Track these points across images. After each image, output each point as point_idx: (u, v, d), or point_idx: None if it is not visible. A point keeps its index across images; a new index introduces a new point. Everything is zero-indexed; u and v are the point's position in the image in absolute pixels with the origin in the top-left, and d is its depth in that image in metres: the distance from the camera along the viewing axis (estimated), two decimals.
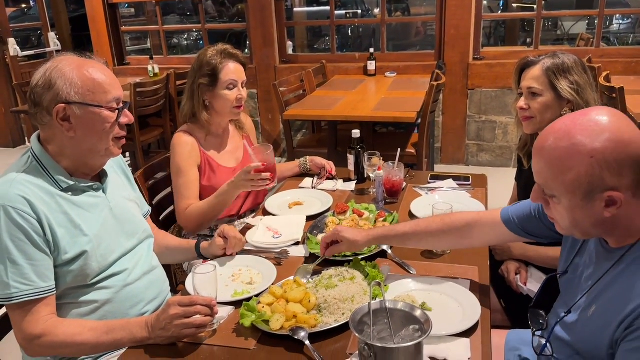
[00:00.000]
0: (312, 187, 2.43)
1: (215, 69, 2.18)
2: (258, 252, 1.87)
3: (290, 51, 5.69)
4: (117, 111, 1.50)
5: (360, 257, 1.72)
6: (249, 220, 2.20)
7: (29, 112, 1.52)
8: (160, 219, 2.31)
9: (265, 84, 5.39)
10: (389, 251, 1.79)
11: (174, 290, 1.88)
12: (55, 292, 1.46)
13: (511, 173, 2.37)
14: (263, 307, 1.47)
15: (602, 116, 1.10)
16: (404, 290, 1.55)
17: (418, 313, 1.21)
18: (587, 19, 7.69)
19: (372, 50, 5.11)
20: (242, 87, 2.24)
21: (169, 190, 2.39)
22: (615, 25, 8.35)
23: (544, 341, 1.32)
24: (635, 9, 6.55)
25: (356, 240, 1.65)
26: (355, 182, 2.45)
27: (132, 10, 9.94)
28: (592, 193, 1.08)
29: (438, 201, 2.05)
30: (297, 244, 1.92)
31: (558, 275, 1.41)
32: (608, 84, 3.31)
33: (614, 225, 1.13)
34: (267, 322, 1.42)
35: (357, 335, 1.15)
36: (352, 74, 5.23)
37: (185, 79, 5.08)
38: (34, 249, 1.40)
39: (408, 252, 1.79)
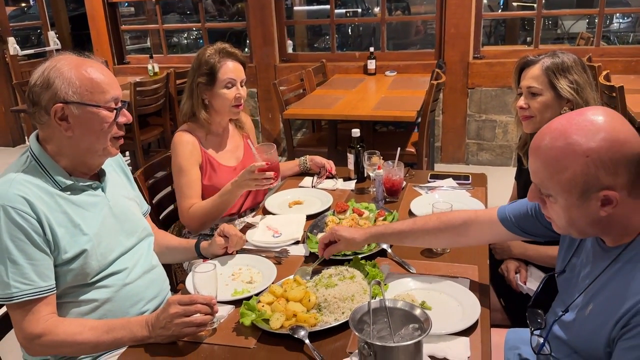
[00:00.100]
0: (312, 187, 2.43)
1: (213, 67, 2.18)
2: (258, 251, 1.87)
3: (290, 50, 5.69)
4: (115, 111, 1.49)
5: (360, 256, 1.72)
6: (248, 219, 2.20)
7: (28, 112, 1.52)
8: (160, 218, 2.32)
9: (265, 83, 5.39)
10: (389, 250, 1.79)
11: (174, 289, 1.88)
12: (55, 291, 1.46)
13: (511, 172, 2.38)
14: (263, 306, 1.47)
15: (597, 116, 1.11)
16: (403, 289, 1.56)
17: (418, 312, 1.21)
18: (587, 18, 7.69)
19: (372, 49, 5.11)
20: (241, 86, 2.23)
21: (169, 189, 2.39)
22: (615, 24, 8.35)
23: (542, 340, 1.33)
24: (635, 8, 6.55)
25: (354, 238, 1.65)
26: (355, 181, 2.45)
27: (132, 9, 9.94)
28: (588, 192, 1.09)
29: (438, 200, 2.05)
30: (297, 243, 1.92)
31: (556, 275, 1.41)
32: (608, 83, 3.31)
33: (610, 224, 1.14)
34: (267, 321, 1.42)
35: (356, 334, 1.15)
36: (352, 73, 5.23)
37: (185, 78, 5.07)
38: (34, 248, 1.40)
39: (408, 251, 1.79)
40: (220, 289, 1.53)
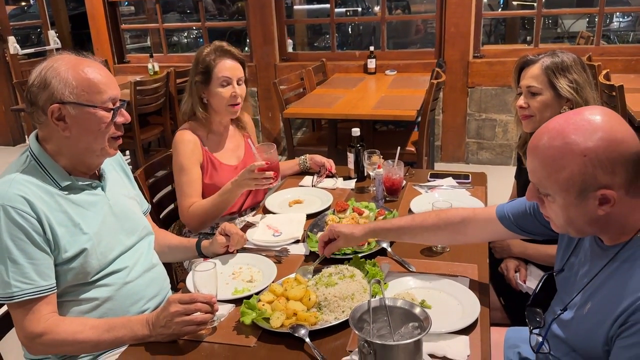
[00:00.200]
0: (312, 186, 2.43)
1: (208, 66, 2.18)
2: (258, 250, 1.87)
3: (290, 49, 5.69)
4: (112, 111, 1.49)
5: (360, 255, 1.73)
6: (249, 218, 2.21)
7: (27, 111, 1.52)
8: (160, 217, 2.32)
9: (265, 82, 5.39)
10: (389, 249, 1.79)
11: (175, 288, 1.89)
12: (56, 290, 1.46)
13: (511, 171, 2.38)
14: (263, 304, 1.47)
15: (595, 115, 1.11)
16: (403, 288, 1.56)
17: (417, 310, 1.21)
18: (587, 17, 7.69)
19: (372, 48, 5.11)
20: (238, 84, 2.21)
21: (169, 188, 2.39)
22: (615, 23, 8.34)
23: (541, 339, 1.33)
24: (635, 7, 6.55)
25: (352, 233, 1.65)
26: (355, 180, 2.45)
27: (132, 8, 9.94)
28: (586, 191, 1.09)
29: (438, 199, 2.05)
30: (297, 242, 1.92)
31: (554, 274, 1.42)
32: (608, 82, 3.31)
33: (608, 223, 1.14)
34: (267, 319, 1.42)
35: (356, 332, 1.15)
36: (352, 72, 5.23)
37: (185, 77, 5.10)
38: (34, 248, 1.40)
39: (408, 250, 1.79)
40: (220, 288, 1.54)
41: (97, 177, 1.63)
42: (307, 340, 1.34)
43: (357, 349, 1.20)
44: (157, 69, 5.47)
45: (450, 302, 1.51)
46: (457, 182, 2.38)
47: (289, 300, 1.48)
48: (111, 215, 1.60)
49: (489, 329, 1.40)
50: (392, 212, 2.05)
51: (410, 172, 2.51)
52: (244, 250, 1.86)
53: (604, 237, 1.21)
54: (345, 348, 1.35)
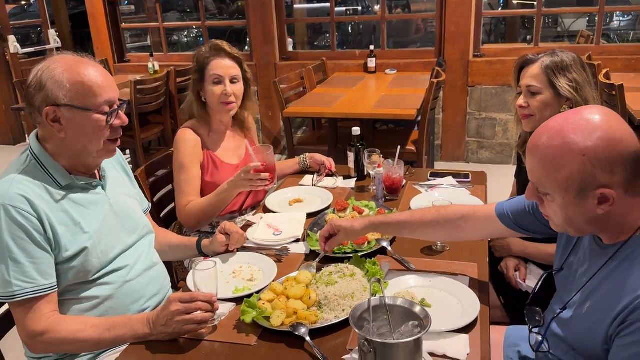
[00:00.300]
0: (313, 185, 2.43)
1: (202, 64, 2.20)
2: (259, 249, 1.87)
3: (290, 48, 5.70)
4: (107, 115, 1.47)
5: (360, 254, 1.73)
6: (249, 217, 2.21)
7: (26, 111, 1.52)
8: (161, 216, 2.32)
9: (266, 81, 5.39)
10: (389, 248, 1.80)
11: (175, 287, 1.89)
12: (56, 289, 1.46)
13: (511, 170, 2.38)
14: (264, 303, 1.47)
15: (594, 115, 1.12)
16: (403, 287, 1.56)
17: (417, 309, 1.22)
18: (588, 16, 7.69)
19: (372, 47, 5.11)
20: (232, 83, 2.20)
21: (169, 187, 2.39)
22: (615, 22, 8.34)
23: (540, 338, 1.33)
24: (635, 6, 6.55)
25: (353, 227, 1.65)
26: (356, 179, 2.45)
27: (132, 7, 9.94)
28: (585, 190, 1.10)
29: (437, 198, 2.05)
30: (297, 241, 1.93)
31: (554, 273, 1.42)
32: (608, 81, 3.31)
33: (607, 222, 1.15)
34: (267, 318, 1.43)
35: (357, 331, 1.16)
36: (353, 71, 5.23)
37: (185, 76, 5.10)
38: (35, 247, 1.40)
39: (408, 249, 1.80)
40: (221, 287, 1.54)
41: (98, 176, 1.63)
42: (308, 338, 1.35)
43: (357, 348, 1.20)
44: (157, 68, 5.47)
45: (450, 300, 1.51)
46: (457, 181, 2.38)
47: (290, 299, 1.49)
48: (112, 214, 1.60)
49: (489, 327, 1.40)
50: (392, 211, 2.05)
51: (411, 171, 2.52)
52: (244, 249, 1.86)
53: (603, 236, 1.21)
54: (345, 346, 1.35)
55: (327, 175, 2.50)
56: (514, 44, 6.73)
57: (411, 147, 3.85)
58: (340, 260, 1.70)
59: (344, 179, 2.48)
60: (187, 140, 2.21)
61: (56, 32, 6.80)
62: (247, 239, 1.89)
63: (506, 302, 1.99)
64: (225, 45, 2.22)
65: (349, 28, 9.03)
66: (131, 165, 2.01)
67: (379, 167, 2.22)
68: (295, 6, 8.29)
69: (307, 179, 2.50)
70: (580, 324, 1.22)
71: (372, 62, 5.07)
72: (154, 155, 3.94)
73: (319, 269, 1.65)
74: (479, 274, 1.64)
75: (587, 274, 1.24)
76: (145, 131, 4.68)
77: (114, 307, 1.57)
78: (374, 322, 1.21)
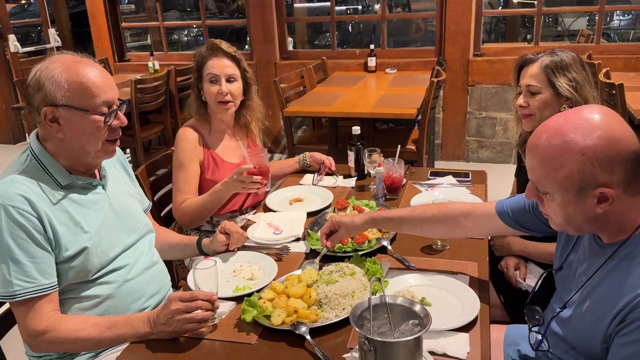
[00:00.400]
0: (313, 184, 2.43)
1: (199, 63, 2.21)
2: (259, 248, 1.88)
3: (290, 47, 5.69)
4: (105, 115, 1.47)
5: (360, 252, 1.73)
6: (249, 216, 2.21)
7: (26, 110, 1.52)
8: (161, 215, 2.33)
9: (266, 81, 5.39)
10: (389, 247, 1.80)
11: (175, 286, 1.89)
12: (57, 288, 1.46)
13: (511, 169, 2.38)
14: (264, 302, 1.48)
15: (593, 114, 1.12)
16: (403, 286, 1.56)
17: (417, 308, 1.22)
18: (588, 15, 7.68)
19: (372, 46, 5.11)
20: (229, 82, 2.19)
21: (170, 186, 2.39)
22: (615, 21, 8.33)
23: (540, 337, 1.34)
24: (635, 5, 6.55)
25: (353, 222, 1.66)
26: (356, 178, 2.45)
27: (132, 6, 9.93)
28: (584, 190, 1.10)
29: (438, 197, 2.05)
30: (297, 240, 1.93)
31: (553, 272, 1.42)
32: (608, 81, 3.31)
33: (606, 221, 1.15)
34: (268, 317, 1.43)
35: (357, 329, 1.16)
36: (353, 71, 5.23)
37: (185, 75, 5.09)
38: (35, 246, 1.40)
39: (408, 248, 1.80)
40: (221, 286, 1.54)
41: (98, 176, 1.63)
42: (308, 337, 1.35)
43: (357, 346, 1.20)
44: (157, 67, 5.47)
45: (450, 299, 1.51)
46: (457, 180, 2.38)
47: (290, 298, 1.49)
48: (112, 214, 1.60)
49: (489, 326, 1.41)
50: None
51: (411, 170, 2.52)
52: (244, 248, 1.86)
53: (602, 235, 1.21)
54: (345, 345, 1.36)
55: (327, 174, 2.50)
56: (514, 43, 6.72)
57: (411, 146, 3.85)
58: (341, 259, 1.71)
59: (344, 178, 2.48)
60: (188, 139, 2.21)
61: (56, 31, 6.79)
62: (248, 238, 1.89)
63: (506, 301, 1.99)
64: (222, 44, 2.22)
65: (349, 27, 9.03)
66: (131, 165, 2.01)
67: (379, 166, 2.22)
68: (296, 5, 8.28)
69: (307, 178, 2.50)
70: (580, 323, 1.22)
71: (372, 61, 5.07)
72: (154, 155, 3.94)
73: (319, 268, 1.65)
74: (479, 272, 1.65)
75: (586, 273, 1.24)
76: (146, 130, 4.68)
77: (114, 306, 1.57)
78: (374, 321, 1.22)
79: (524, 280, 1.89)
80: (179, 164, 2.21)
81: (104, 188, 1.61)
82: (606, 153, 1.08)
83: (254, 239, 1.93)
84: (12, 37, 6.14)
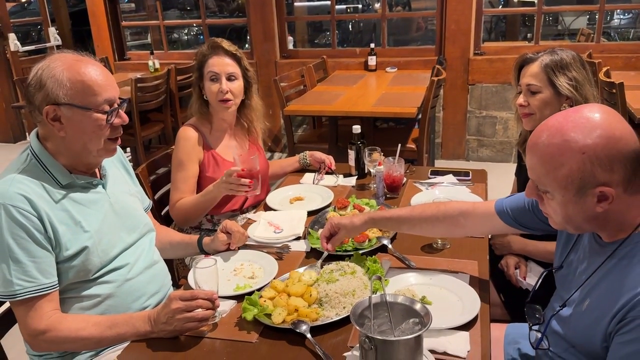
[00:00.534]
0: (314, 184, 2.43)
1: (200, 62, 2.21)
2: (259, 247, 1.88)
3: (290, 46, 5.69)
4: (107, 114, 1.47)
5: (360, 251, 1.74)
6: (250, 215, 2.21)
7: (27, 109, 1.52)
8: (162, 214, 2.33)
9: (266, 79, 5.39)
10: (390, 246, 1.80)
11: (176, 285, 1.89)
12: (58, 288, 1.46)
13: (511, 168, 2.39)
14: (265, 301, 1.48)
15: (593, 113, 1.12)
16: (404, 285, 1.57)
17: (418, 306, 1.22)
18: (588, 14, 7.67)
19: (372, 45, 5.11)
20: (230, 80, 2.19)
21: (170, 185, 2.40)
22: (616, 20, 8.32)
23: (540, 335, 1.34)
24: (635, 4, 6.54)
25: (353, 223, 1.66)
26: (356, 177, 2.45)
27: (132, 5, 9.91)
28: (584, 188, 1.10)
29: (438, 196, 2.05)
30: (298, 238, 1.93)
31: (554, 270, 1.42)
32: (608, 80, 3.31)
33: (606, 220, 1.15)
34: (269, 315, 1.43)
35: (358, 328, 1.16)
36: (353, 69, 5.23)
37: (185, 74, 5.08)
38: (36, 246, 1.41)
39: (408, 247, 1.80)
40: (222, 285, 1.54)
41: (98, 175, 1.63)
42: (309, 336, 1.35)
43: (358, 345, 1.21)
44: (157, 66, 5.47)
45: (451, 298, 1.51)
46: (458, 179, 2.39)
47: (290, 297, 1.49)
48: (112, 213, 1.60)
49: (489, 325, 1.41)
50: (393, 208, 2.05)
51: (411, 169, 2.52)
52: (245, 247, 1.87)
53: (602, 234, 1.22)
54: (346, 344, 1.36)
55: (327, 174, 2.50)
56: (515, 42, 6.71)
57: (411, 145, 3.85)
58: (341, 258, 1.71)
59: (345, 177, 2.48)
60: (188, 139, 2.21)
61: (56, 30, 6.79)
62: (248, 237, 1.89)
63: (506, 299, 2.00)
64: (224, 42, 2.22)
65: (350, 26, 9.02)
66: (132, 163, 2.01)
67: (379, 165, 2.22)
68: (296, 4, 8.27)
69: (308, 177, 2.50)
70: (580, 322, 1.23)
71: (372, 60, 5.06)
72: (154, 153, 3.94)
73: (320, 267, 1.66)
74: (480, 271, 1.65)
75: (586, 272, 1.25)
76: (146, 129, 4.69)
77: (114, 305, 1.57)
78: (374, 320, 1.22)
79: (524, 279, 1.90)
80: (179, 163, 2.21)
81: (104, 187, 1.61)
82: (606, 152, 1.08)
83: (255, 237, 1.93)
84: (12, 36, 6.14)
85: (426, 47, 5.31)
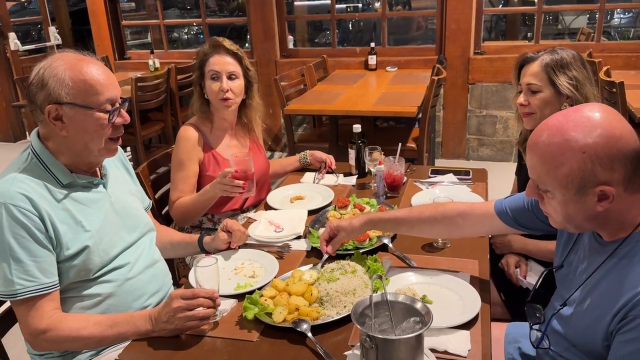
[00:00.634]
0: (314, 183, 2.43)
1: (201, 60, 2.21)
2: (260, 245, 1.88)
3: (290, 45, 5.69)
4: (109, 113, 1.47)
5: (361, 250, 1.74)
6: (251, 214, 2.22)
7: (28, 108, 1.52)
8: (162, 213, 2.33)
9: (266, 79, 5.38)
10: (390, 245, 1.80)
11: (177, 284, 1.89)
12: (58, 287, 1.46)
13: (511, 167, 2.39)
14: (266, 300, 1.48)
15: (594, 112, 1.12)
16: (404, 284, 1.57)
17: (419, 305, 1.22)
18: (588, 14, 7.67)
19: (372, 44, 5.11)
20: (230, 79, 2.19)
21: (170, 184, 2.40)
22: (616, 19, 8.32)
23: (541, 334, 1.34)
24: (636, 3, 6.52)
25: (352, 224, 1.66)
26: (356, 176, 2.46)
27: (133, 4, 9.90)
28: (585, 188, 1.10)
29: (438, 195, 2.06)
30: (298, 238, 1.93)
31: (554, 270, 1.42)
32: (608, 79, 3.31)
33: (607, 219, 1.15)
34: (269, 314, 1.43)
35: (358, 327, 1.16)
36: (353, 69, 5.23)
37: (185, 73, 5.08)
38: (37, 245, 1.40)
39: (409, 246, 1.80)
40: (223, 283, 1.54)
41: (99, 175, 1.63)
42: (309, 335, 1.35)
43: (359, 344, 1.21)
44: (157, 65, 5.47)
45: (451, 297, 1.52)
46: (458, 179, 2.39)
47: (291, 296, 1.49)
48: (113, 212, 1.60)
49: (490, 324, 1.41)
50: (393, 208, 2.05)
51: (411, 168, 2.52)
52: (246, 246, 1.87)
53: (602, 233, 1.22)
54: (347, 342, 1.36)
55: (328, 173, 2.50)
56: (515, 41, 6.71)
57: (412, 145, 3.86)
58: (342, 257, 1.71)
59: (345, 176, 2.48)
60: (188, 138, 2.21)
61: (56, 29, 6.79)
62: (249, 236, 1.90)
63: (507, 298, 2.00)
64: (225, 41, 2.22)
65: (350, 25, 9.01)
66: (132, 163, 2.01)
67: (379, 164, 2.22)
68: (296, 3, 8.27)
69: (308, 176, 2.50)
70: (581, 321, 1.23)
71: (372, 60, 5.06)
72: (154, 153, 3.95)
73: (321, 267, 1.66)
74: (480, 270, 1.65)
75: (586, 271, 1.25)
76: (146, 128, 4.69)
77: (115, 304, 1.57)
78: (375, 319, 1.22)
79: (525, 278, 1.90)
80: (178, 162, 2.21)
81: (104, 187, 1.61)
82: (606, 151, 1.08)
83: (255, 236, 1.94)
84: (12, 35, 6.14)
85: (426, 47, 5.31)
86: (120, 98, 1.52)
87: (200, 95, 2.25)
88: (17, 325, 1.51)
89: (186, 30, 9.88)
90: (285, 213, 2.12)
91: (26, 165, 1.47)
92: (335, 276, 1.54)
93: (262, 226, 2.01)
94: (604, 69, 3.54)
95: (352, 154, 2.45)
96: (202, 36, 8.29)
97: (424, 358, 1.20)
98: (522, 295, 1.80)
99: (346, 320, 1.41)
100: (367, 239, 1.81)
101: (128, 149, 4.80)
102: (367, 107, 3.76)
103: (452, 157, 5.21)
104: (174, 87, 4.81)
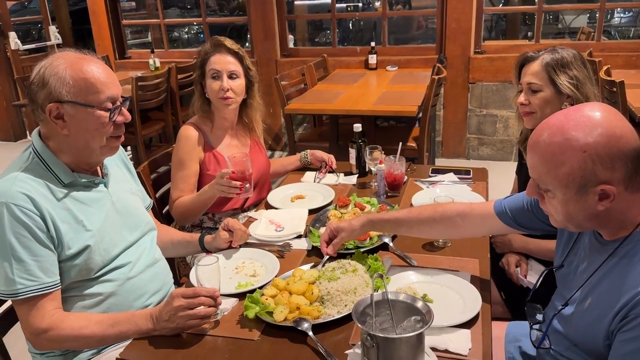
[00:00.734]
0: (315, 182, 2.44)
1: (202, 59, 2.21)
2: (261, 245, 1.88)
3: (291, 45, 5.69)
4: (110, 111, 1.47)
5: (362, 249, 1.74)
6: (252, 213, 2.22)
7: (28, 107, 1.52)
8: (163, 212, 2.33)
9: (267, 78, 5.38)
10: (391, 244, 1.80)
11: (178, 283, 1.90)
12: (60, 286, 1.47)
13: (512, 167, 2.39)
14: (267, 299, 1.48)
15: (594, 111, 1.12)
16: (405, 282, 1.57)
17: (419, 304, 1.22)
18: (588, 13, 7.67)
19: (373, 43, 5.11)
20: (231, 78, 2.19)
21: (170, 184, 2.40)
22: (616, 19, 8.31)
23: (541, 334, 1.34)
24: (636, 2, 6.51)
25: (352, 225, 1.67)
26: (357, 175, 2.46)
27: (133, 3, 9.90)
28: (586, 187, 1.11)
29: (439, 195, 2.06)
30: (299, 237, 1.93)
31: (554, 269, 1.42)
32: (608, 78, 3.31)
33: (607, 218, 1.15)
34: (270, 313, 1.43)
35: (359, 325, 1.16)
36: (353, 68, 5.23)
37: (186, 72, 5.08)
38: (38, 245, 1.41)
39: (409, 245, 1.80)
40: (224, 282, 1.55)
41: (100, 174, 1.63)
42: (310, 333, 1.35)
43: (359, 342, 1.21)
44: (158, 64, 5.47)
45: (452, 296, 1.52)
46: (459, 178, 2.39)
47: (292, 294, 1.49)
48: (114, 212, 1.61)
49: (490, 323, 1.41)
50: (394, 207, 2.05)
51: (412, 167, 2.52)
52: (246, 245, 1.87)
53: (603, 232, 1.22)
54: (348, 341, 1.36)
55: (328, 172, 2.50)
56: (515, 40, 6.71)
57: (412, 144, 3.86)
58: (343, 256, 1.71)
59: (345, 175, 2.48)
60: (189, 138, 2.22)
61: (57, 28, 6.79)
62: (250, 235, 1.90)
63: (507, 297, 2.00)
64: (226, 41, 2.22)
65: (350, 24, 9.01)
66: (132, 162, 2.01)
67: (380, 163, 2.23)
68: (296, 2, 8.27)
69: (309, 175, 2.51)
70: (582, 321, 1.23)
71: (373, 59, 5.07)
72: (155, 152, 3.95)
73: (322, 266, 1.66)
74: (481, 269, 1.65)
75: (587, 271, 1.25)
76: (147, 128, 4.69)
77: (116, 303, 1.57)
78: (376, 317, 1.22)
79: (525, 277, 1.90)
80: (179, 162, 2.21)
81: (105, 186, 1.61)
82: (607, 150, 1.08)
83: (256, 236, 1.94)
84: (12, 35, 6.14)
85: (427, 46, 5.31)
86: (121, 97, 1.52)
87: (201, 94, 2.26)
88: (18, 325, 1.52)
89: (186, 29, 9.88)
90: (286, 212, 2.12)
91: (27, 165, 1.47)
92: (336, 275, 1.54)
93: (262, 225, 2.02)
94: (604, 68, 3.54)
95: (352, 153, 2.46)
96: (202, 35, 8.29)
97: (425, 357, 1.20)
98: (522, 294, 1.80)
99: (347, 319, 1.41)
100: (368, 238, 1.81)
101: (128, 148, 4.80)
102: (368, 107, 3.76)
103: (452, 156, 5.22)
104: (174, 87, 4.81)
